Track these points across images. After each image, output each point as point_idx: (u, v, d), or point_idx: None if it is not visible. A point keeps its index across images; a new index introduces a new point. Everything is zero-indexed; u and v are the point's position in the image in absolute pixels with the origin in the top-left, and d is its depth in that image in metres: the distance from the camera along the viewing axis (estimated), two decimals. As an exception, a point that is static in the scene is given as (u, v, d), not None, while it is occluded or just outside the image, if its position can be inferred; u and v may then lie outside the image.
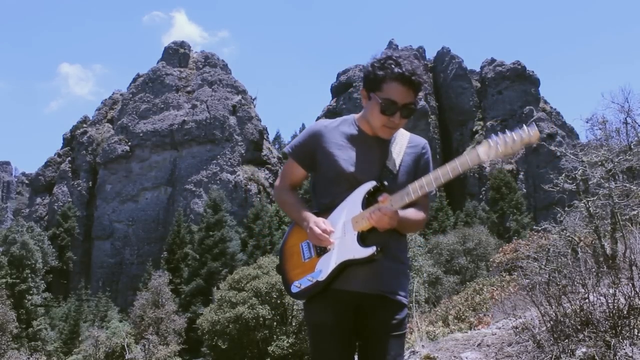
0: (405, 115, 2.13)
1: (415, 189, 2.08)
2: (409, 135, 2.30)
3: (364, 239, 2.12)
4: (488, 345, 4.24)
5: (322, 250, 2.15)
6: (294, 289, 2.18)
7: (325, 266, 2.12)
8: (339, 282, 2.14)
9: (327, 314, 2.16)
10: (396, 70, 2.08)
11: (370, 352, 2.17)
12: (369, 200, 2.14)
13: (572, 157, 8.07)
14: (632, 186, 7.00)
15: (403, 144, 2.26)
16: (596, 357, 3.15)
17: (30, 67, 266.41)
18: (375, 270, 2.14)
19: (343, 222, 2.14)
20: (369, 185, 2.14)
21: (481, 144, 2.00)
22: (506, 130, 2.03)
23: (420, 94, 2.25)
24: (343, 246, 2.12)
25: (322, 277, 2.12)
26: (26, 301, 43.83)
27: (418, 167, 2.26)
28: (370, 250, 2.08)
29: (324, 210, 2.20)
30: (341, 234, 2.13)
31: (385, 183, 2.15)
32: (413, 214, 2.22)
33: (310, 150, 2.25)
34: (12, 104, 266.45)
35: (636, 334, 3.21)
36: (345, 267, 2.11)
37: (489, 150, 1.97)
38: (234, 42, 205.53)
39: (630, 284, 3.46)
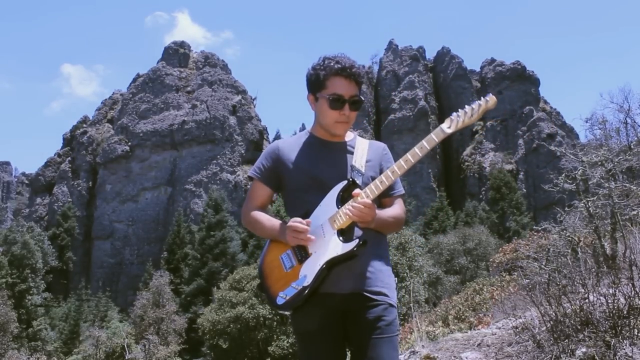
0: (354, 108, 2.21)
1: (388, 175, 2.12)
2: (368, 141, 2.36)
3: (344, 235, 2.12)
4: (488, 345, 4.24)
5: (303, 257, 2.13)
6: (280, 300, 2.13)
7: (310, 270, 2.10)
8: (322, 286, 2.11)
9: (312, 322, 2.14)
10: (336, 66, 2.18)
11: (363, 356, 2.11)
12: (343, 199, 2.15)
13: (572, 157, 8.06)
14: (632, 186, 7.00)
15: (364, 147, 2.31)
16: (596, 357, 3.15)
17: (32, 68, 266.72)
18: (357, 270, 2.14)
19: (321, 224, 2.14)
20: (341, 184, 2.16)
21: (445, 121, 2.13)
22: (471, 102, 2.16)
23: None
24: (325, 247, 2.11)
25: (307, 282, 2.09)
26: (26, 301, 43.83)
27: (382, 167, 2.30)
28: (352, 244, 2.08)
29: None
30: (321, 236, 2.12)
31: (357, 180, 2.17)
32: (391, 211, 2.25)
33: (274, 169, 2.27)
34: (13, 104, 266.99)
35: (636, 334, 3.22)
36: (330, 268, 2.09)
37: (452, 124, 2.10)
38: (238, 42, 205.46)
39: (630, 284, 3.46)
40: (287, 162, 2.24)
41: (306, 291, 2.09)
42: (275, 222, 2.23)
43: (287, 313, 2.17)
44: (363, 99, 2.27)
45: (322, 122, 2.25)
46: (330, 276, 2.10)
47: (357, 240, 2.09)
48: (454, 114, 2.11)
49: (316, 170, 2.21)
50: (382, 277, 2.19)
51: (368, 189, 2.11)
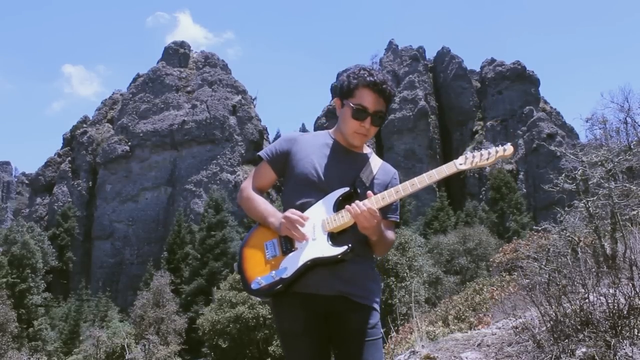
0: (376, 123, 2.22)
1: (392, 193, 2.15)
2: (382, 161, 2.37)
3: (334, 239, 2.13)
4: (488, 345, 4.24)
5: (288, 249, 2.14)
6: (255, 285, 2.14)
7: (292, 264, 2.11)
8: (306, 286, 2.12)
9: (296, 321, 2.15)
10: (368, 78, 2.20)
11: (349, 359, 2.14)
12: (341, 206, 2.15)
13: (572, 157, 8.05)
14: (632, 186, 7.00)
15: (377, 165, 2.32)
16: (596, 357, 3.15)
17: (33, 68, 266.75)
18: (343, 274, 2.14)
19: (313, 224, 2.15)
20: (342, 190, 2.18)
21: (460, 156, 2.15)
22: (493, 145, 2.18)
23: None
24: (312, 246, 2.12)
25: (286, 274, 2.10)
26: (26, 301, 43.84)
27: (387, 190, 2.31)
28: (340, 249, 2.09)
29: None
30: (311, 234, 2.13)
31: (359, 190, 2.18)
32: (389, 232, 2.27)
33: (284, 155, 2.28)
34: (14, 104, 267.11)
35: (636, 334, 3.22)
36: (312, 268, 2.10)
37: (466, 161, 2.13)
38: (239, 43, 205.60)
39: (630, 284, 3.46)
40: (300, 154, 2.26)
41: (282, 283, 2.10)
42: (269, 207, 2.25)
43: (258, 298, 2.20)
44: (387, 117, 2.30)
45: (343, 129, 2.27)
46: (315, 278, 2.11)
47: (346, 247, 2.09)
48: (469, 153, 2.14)
49: (325, 171, 2.22)
50: (366, 283, 2.21)
51: (373, 199, 2.12)
